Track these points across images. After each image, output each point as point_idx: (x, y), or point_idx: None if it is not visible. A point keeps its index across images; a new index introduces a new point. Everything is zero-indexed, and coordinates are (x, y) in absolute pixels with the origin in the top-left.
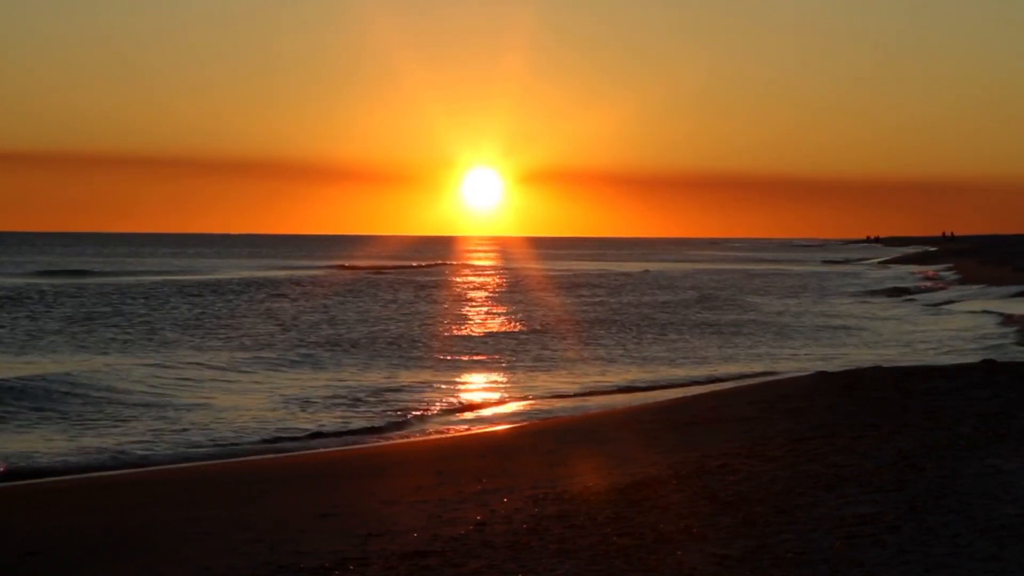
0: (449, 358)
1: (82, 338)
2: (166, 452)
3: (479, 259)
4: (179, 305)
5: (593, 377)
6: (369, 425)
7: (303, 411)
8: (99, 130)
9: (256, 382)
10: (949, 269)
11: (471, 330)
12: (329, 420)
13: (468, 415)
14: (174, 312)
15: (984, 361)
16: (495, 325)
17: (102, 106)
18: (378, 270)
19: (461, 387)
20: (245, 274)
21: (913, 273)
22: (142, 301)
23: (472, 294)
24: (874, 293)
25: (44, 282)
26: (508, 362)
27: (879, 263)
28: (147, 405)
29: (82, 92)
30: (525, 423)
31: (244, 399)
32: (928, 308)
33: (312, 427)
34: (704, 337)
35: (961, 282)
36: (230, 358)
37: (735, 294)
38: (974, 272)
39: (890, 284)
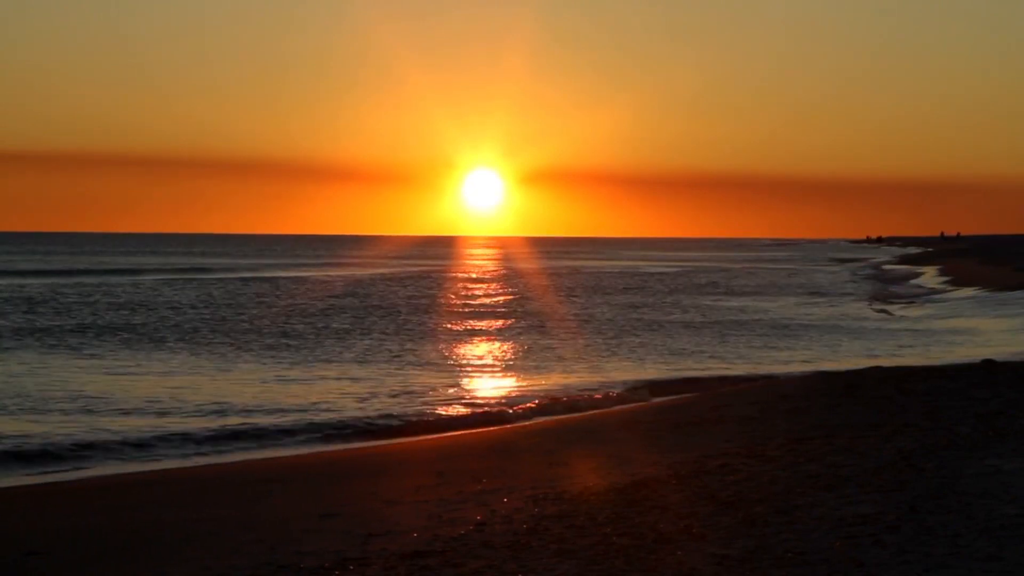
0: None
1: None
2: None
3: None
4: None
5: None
6: (372, 422)
7: (303, 409)
8: (100, 130)
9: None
10: (942, 271)
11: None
12: (330, 418)
13: (469, 414)
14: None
15: (984, 361)
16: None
17: (104, 106)
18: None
19: (463, 386)
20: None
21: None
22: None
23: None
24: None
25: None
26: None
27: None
28: None
29: (83, 92)
30: (525, 423)
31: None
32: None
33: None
34: None
35: (953, 283)
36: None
37: None
38: (970, 272)
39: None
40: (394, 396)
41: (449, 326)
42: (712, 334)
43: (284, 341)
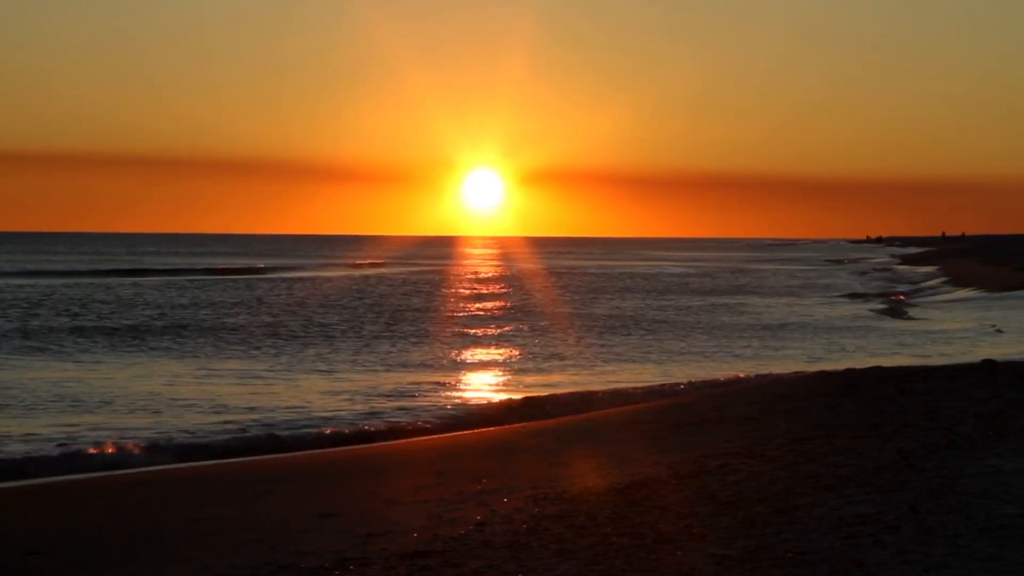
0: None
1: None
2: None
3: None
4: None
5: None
6: (371, 423)
7: (307, 407)
8: (100, 130)
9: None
10: (939, 270)
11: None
12: (331, 416)
13: (469, 414)
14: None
15: (984, 361)
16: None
17: (104, 106)
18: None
19: (463, 386)
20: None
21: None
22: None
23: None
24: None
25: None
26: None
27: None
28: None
29: (83, 92)
30: (525, 423)
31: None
32: None
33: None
34: None
35: (953, 284)
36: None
37: None
38: (971, 273)
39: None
40: (395, 396)
41: (450, 327)
42: (728, 335)
43: (290, 341)
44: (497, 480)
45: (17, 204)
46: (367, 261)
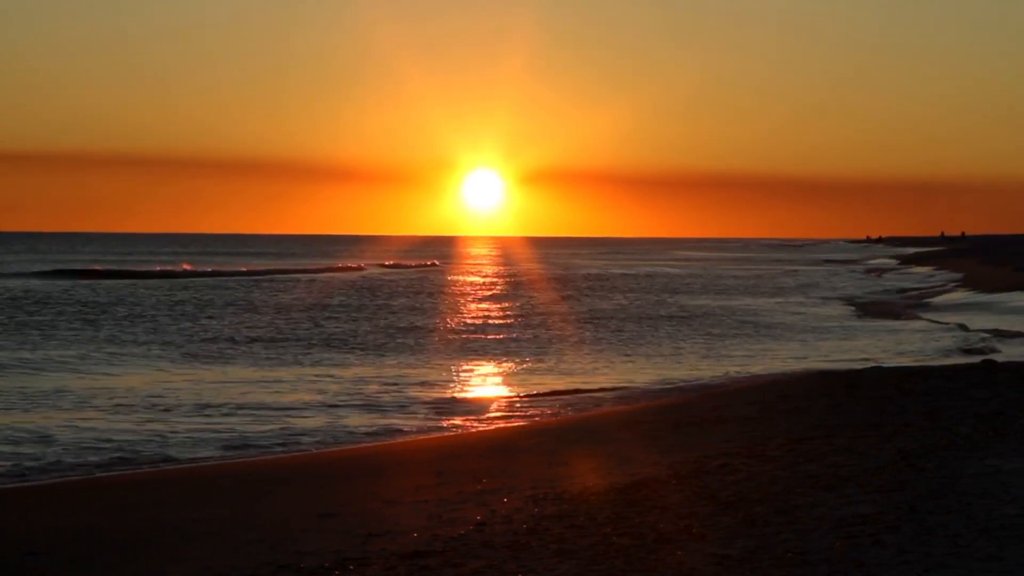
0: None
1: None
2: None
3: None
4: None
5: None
6: (374, 425)
7: (310, 409)
8: (100, 130)
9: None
10: (939, 270)
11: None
12: (331, 419)
13: (469, 414)
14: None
15: (984, 361)
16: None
17: (104, 106)
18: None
19: (463, 385)
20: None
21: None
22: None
23: None
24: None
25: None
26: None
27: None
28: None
29: (83, 92)
30: (525, 423)
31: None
32: None
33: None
34: None
35: (952, 283)
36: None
37: None
38: (970, 272)
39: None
40: (396, 395)
41: (451, 326)
42: (728, 332)
43: (291, 341)
44: (497, 480)
45: (17, 204)
46: (428, 261)
